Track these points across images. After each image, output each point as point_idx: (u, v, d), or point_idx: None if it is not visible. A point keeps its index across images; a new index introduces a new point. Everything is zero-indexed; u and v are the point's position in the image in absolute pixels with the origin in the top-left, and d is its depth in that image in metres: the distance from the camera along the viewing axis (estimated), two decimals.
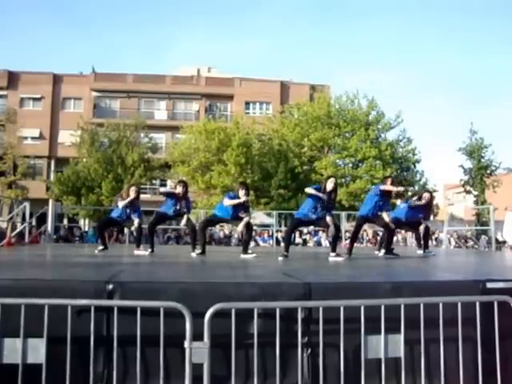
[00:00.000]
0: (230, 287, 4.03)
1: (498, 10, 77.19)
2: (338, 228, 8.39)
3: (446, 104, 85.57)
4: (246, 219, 8.57)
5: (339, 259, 7.76)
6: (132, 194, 9.18)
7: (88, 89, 36.41)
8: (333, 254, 7.90)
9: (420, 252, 10.19)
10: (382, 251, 9.58)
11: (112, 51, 72.14)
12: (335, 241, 8.32)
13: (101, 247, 9.14)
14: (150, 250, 9.14)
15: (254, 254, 8.48)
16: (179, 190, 9.14)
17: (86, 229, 23.88)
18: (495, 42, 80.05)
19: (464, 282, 4.53)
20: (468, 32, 78.51)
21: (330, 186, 8.10)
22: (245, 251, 8.58)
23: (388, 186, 9.04)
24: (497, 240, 19.78)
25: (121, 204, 9.13)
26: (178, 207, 9.20)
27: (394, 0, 75.03)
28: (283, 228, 18.57)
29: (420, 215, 10.32)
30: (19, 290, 3.65)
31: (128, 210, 9.21)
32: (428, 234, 10.74)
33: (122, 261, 7.74)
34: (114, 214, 9.37)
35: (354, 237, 9.76)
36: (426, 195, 10.38)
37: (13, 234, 13.56)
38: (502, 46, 77.38)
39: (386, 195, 9.05)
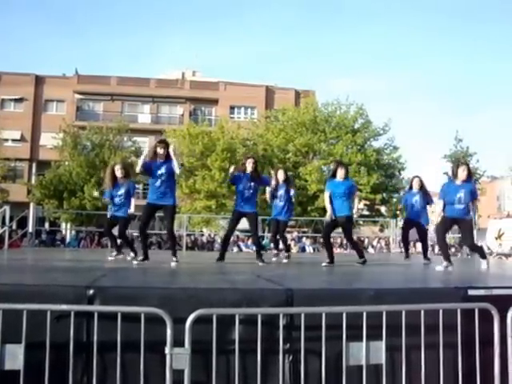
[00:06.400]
0: (212, 293, 4.01)
1: (487, 19, 78.33)
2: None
3: (432, 111, 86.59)
4: None
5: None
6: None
7: (71, 91, 35.99)
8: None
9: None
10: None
11: (96, 53, 71.98)
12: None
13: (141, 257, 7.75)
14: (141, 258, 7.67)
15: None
16: (160, 152, 7.21)
17: (68, 233, 23.66)
18: (484, 50, 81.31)
19: (445, 289, 4.56)
20: (456, 40, 79.72)
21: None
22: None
23: None
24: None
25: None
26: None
27: (381, 7, 75.87)
28: (266, 234, 18.49)
29: None
30: None
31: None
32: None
33: (103, 266, 7.65)
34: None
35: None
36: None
37: None
38: (491, 54, 78.59)
39: None
